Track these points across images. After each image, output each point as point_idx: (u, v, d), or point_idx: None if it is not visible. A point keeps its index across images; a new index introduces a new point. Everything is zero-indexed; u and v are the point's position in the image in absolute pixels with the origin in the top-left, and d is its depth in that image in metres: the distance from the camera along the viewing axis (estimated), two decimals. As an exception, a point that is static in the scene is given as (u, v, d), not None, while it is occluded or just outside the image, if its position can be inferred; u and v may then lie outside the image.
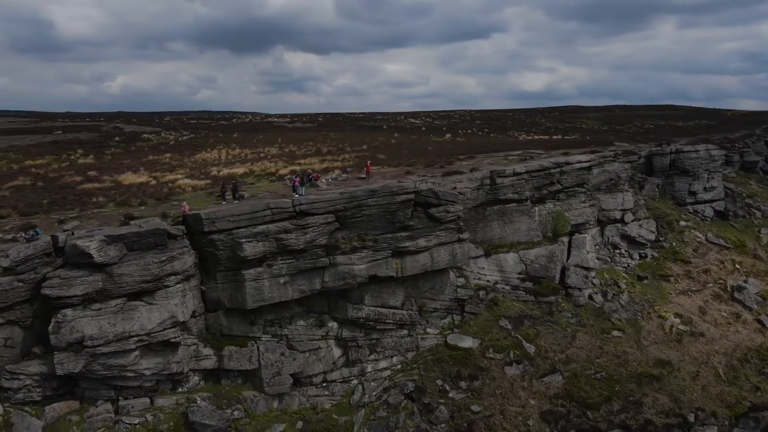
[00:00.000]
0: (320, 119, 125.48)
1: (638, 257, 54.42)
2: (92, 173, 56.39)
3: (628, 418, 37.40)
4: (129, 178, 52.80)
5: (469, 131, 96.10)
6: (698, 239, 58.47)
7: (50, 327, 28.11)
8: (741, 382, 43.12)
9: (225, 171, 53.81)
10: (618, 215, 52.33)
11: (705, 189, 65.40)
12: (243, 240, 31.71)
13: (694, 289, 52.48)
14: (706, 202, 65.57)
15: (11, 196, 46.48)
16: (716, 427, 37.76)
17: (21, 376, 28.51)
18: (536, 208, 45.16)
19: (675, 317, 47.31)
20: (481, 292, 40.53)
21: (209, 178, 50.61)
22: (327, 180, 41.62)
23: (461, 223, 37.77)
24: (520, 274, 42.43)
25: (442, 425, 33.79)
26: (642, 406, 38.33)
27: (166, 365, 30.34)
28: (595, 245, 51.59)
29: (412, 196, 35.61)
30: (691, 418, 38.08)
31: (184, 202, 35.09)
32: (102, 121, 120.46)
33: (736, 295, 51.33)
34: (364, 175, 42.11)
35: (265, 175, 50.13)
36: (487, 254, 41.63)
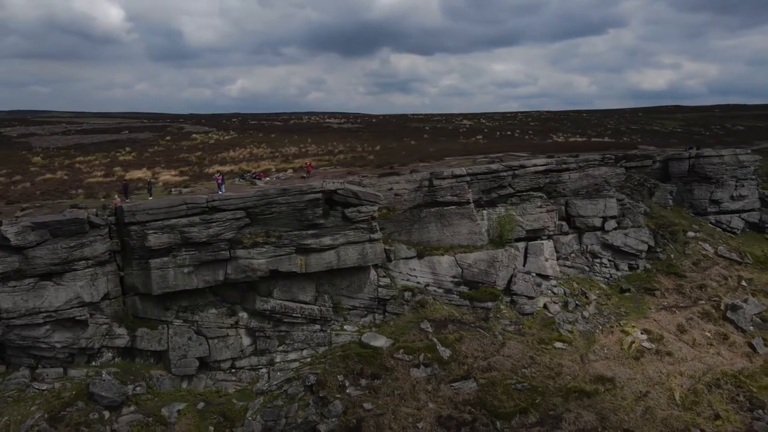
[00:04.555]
0: (374, 120, 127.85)
1: (627, 268, 51.10)
2: (116, 169, 62.78)
3: (541, 433, 35.78)
4: (136, 174, 58.45)
5: (508, 133, 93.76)
6: (704, 252, 53.48)
7: (-24, 300, 32.75)
8: (700, 408, 39.21)
9: (217, 168, 57.75)
10: (598, 222, 49.44)
11: (732, 198, 59.58)
12: (149, 232, 34.69)
13: (681, 305, 48.28)
14: (733, 212, 59.78)
15: (31, 188, 53.34)
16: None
17: (-45, 341, 33.43)
18: (485, 212, 44.06)
19: (642, 333, 44.00)
20: (407, 294, 40.45)
21: (195, 174, 54.73)
22: (272, 178, 43.66)
23: (374, 224, 38.10)
24: (454, 277, 41.71)
25: (333, 419, 34.52)
26: (561, 421, 36.31)
27: (75, 340, 34.01)
28: (570, 253, 49.27)
29: (319, 195, 36.61)
30: (614, 439, 35.59)
31: (116, 196, 38.79)
32: (182, 121, 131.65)
33: (728, 314, 46.53)
34: (305, 175, 43.65)
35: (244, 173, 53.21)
36: (420, 256, 41.43)
